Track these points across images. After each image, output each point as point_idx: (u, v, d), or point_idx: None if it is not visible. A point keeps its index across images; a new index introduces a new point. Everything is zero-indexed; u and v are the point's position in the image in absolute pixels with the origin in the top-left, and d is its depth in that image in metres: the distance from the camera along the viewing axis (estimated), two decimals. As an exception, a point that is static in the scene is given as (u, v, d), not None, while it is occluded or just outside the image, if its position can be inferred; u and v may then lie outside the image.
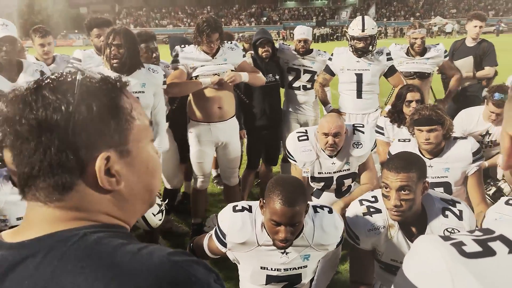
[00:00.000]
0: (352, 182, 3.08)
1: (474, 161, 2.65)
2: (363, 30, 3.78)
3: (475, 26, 4.65)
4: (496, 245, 0.60)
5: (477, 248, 0.60)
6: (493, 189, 3.30)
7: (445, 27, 41.46)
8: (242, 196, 4.00)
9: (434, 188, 2.60)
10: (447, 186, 2.70)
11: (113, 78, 0.73)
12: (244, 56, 3.64)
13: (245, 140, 4.27)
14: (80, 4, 70.96)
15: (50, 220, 0.68)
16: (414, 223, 2.01)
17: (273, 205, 1.81)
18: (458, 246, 0.61)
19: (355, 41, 3.84)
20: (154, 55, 3.56)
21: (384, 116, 3.54)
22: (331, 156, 2.85)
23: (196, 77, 3.32)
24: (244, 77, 3.41)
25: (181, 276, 0.62)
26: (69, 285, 0.59)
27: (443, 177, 2.69)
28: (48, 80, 0.68)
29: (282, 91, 4.43)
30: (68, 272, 0.60)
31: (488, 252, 0.59)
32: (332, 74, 4.08)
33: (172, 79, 3.29)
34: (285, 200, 1.79)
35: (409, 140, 2.87)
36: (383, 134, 3.48)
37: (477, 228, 0.68)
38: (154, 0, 69.89)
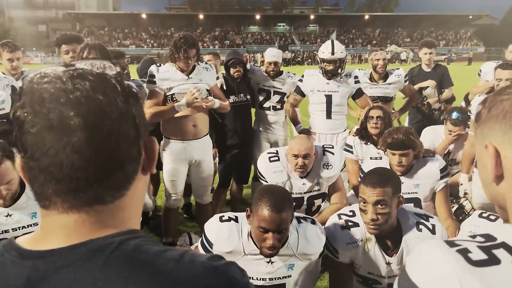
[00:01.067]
0: (322, 202, 3.14)
1: (441, 178, 2.80)
2: (332, 53, 3.93)
3: (425, 53, 5.02)
4: (500, 253, 0.62)
5: (482, 256, 0.62)
6: (455, 206, 3.47)
7: (400, 55, 43.47)
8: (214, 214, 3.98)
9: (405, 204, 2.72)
10: (417, 202, 2.83)
11: None
12: (217, 78, 3.70)
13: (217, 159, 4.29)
14: (39, 21, 69.31)
15: (82, 226, 0.64)
16: (389, 236, 2.10)
17: (261, 212, 1.86)
18: (464, 253, 0.63)
19: (325, 63, 3.99)
20: (126, 71, 3.57)
21: (353, 135, 3.68)
22: (301, 177, 2.90)
23: (172, 95, 3.33)
24: (217, 104, 3.46)
25: (226, 282, 0.63)
26: None
27: (413, 193, 2.82)
28: (91, 72, 0.66)
29: (253, 110, 4.50)
30: (113, 283, 0.58)
31: (493, 260, 0.61)
32: (303, 95, 4.20)
33: (149, 106, 3.29)
34: (273, 206, 1.85)
35: (381, 158, 2.99)
36: (352, 152, 3.61)
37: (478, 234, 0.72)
38: (117, 20, 69.32)
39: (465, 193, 3.41)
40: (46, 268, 0.60)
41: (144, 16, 68.01)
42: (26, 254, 0.62)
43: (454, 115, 3.50)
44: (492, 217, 2.19)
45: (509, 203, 0.72)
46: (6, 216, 2.10)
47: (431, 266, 0.64)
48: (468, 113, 3.44)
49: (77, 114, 0.61)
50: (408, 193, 2.80)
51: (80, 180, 0.62)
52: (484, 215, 2.21)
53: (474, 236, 0.68)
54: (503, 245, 0.63)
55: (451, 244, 0.66)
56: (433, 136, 3.70)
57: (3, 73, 3.78)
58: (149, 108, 3.28)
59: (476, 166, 3.37)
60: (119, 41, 62.83)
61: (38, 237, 0.65)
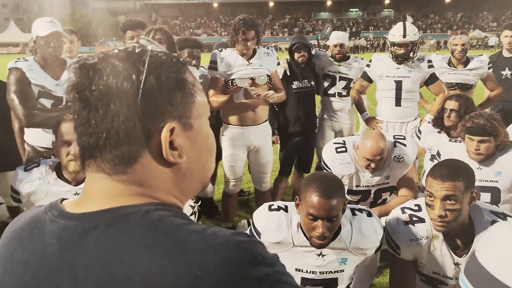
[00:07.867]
0: (389, 196, 2.94)
1: None
2: (404, 36, 3.67)
3: (506, 36, 4.54)
4: None
5: None
6: None
7: (488, 41, 40.00)
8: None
9: (480, 193, 2.45)
10: (495, 192, 2.52)
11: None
12: (278, 64, 3.60)
13: (278, 146, 4.21)
14: (119, 12, 73.31)
15: (112, 193, 0.67)
16: (459, 235, 1.89)
17: (310, 198, 1.77)
18: None
19: (395, 47, 3.73)
20: (194, 62, 3.57)
21: (428, 122, 3.44)
22: None
23: (232, 80, 3.31)
24: (277, 97, 3.33)
25: (248, 256, 0.61)
26: (133, 260, 0.59)
27: (492, 181, 2.51)
28: (117, 50, 0.69)
29: (317, 97, 4.35)
30: (132, 247, 0.60)
31: None
32: (370, 81, 3.98)
33: (211, 95, 3.30)
34: (322, 192, 1.75)
35: (461, 141, 2.70)
36: (419, 138, 3.44)
37: None
38: (190, 10, 71.29)
39: None
40: (74, 229, 0.64)
41: (215, 5, 69.25)
42: (63, 214, 0.68)
43: None
44: None
45: None
46: (75, 194, 2.11)
47: (503, 249, 0.60)
48: None
49: (73, 86, 0.66)
50: (487, 181, 2.49)
51: (84, 147, 0.67)
52: None
53: None
54: None
55: None
56: None
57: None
58: (210, 97, 3.28)
59: None
60: (191, 30, 64.72)
61: (81, 200, 0.70)
